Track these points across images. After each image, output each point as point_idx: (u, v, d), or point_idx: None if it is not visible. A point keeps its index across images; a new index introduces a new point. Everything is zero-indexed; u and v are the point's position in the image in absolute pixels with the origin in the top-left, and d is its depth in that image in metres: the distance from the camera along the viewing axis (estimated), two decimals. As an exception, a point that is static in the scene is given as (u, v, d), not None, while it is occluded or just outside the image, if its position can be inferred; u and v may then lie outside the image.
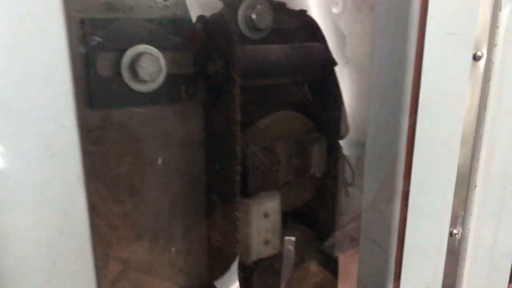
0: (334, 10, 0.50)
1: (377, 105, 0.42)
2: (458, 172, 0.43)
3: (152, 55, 0.37)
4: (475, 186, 0.45)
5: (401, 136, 0.40)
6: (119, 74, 0.37)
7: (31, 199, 0.27)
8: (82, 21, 0.35)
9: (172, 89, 0.40)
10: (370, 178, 0.44)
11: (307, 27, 0.48)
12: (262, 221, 0.45)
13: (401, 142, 0.40)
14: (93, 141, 0.38)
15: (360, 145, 0.49)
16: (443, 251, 0.45)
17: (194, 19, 0.40)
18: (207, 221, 0.45)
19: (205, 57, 0.41)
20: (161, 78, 0.38)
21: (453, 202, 0.44)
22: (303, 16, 0.47)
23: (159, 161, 0.40)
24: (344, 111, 0.48)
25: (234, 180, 0.41)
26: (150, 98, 0.39)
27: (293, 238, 0.49)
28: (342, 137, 0.49)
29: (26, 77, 0.26)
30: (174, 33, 0.39)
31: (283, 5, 0.46)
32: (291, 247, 0.48)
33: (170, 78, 0.39)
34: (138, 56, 0.37)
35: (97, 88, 0.37)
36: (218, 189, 0.43)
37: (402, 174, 0.41)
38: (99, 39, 0.35)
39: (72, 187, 0.28)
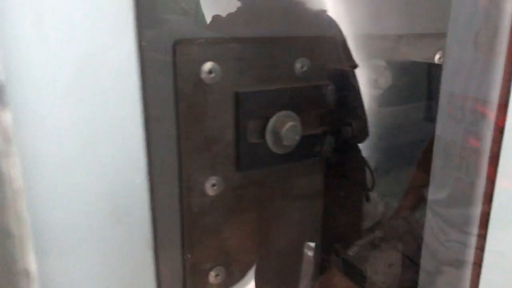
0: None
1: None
2: None
3: (293, 120, 0.42)
4: None
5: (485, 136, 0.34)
6: (264, 139, 0.42)
7: (97, 266, 0.25)
8: (237, 94, 0.40)
9: (304, 148, 0.45)
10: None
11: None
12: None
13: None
14: (237, 199, 0.43)
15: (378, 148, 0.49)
16: None
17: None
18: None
19: (336, 120, 0.46)
20: (297, 140, 0.43)
21: None
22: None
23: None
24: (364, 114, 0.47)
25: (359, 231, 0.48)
26: (285, 158, 0.44)
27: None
28: (361, 141, 0.47)
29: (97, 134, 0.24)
30: (309, 98, 0.44)
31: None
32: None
33: (303, 138, 0.44)
34: (280, 123, 0.42)
35: (245, 153, 0.42)
36: (342, 238, 0.50)
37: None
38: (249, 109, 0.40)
39: (140, 254, 0.27)
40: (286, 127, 0.43)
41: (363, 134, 0.45)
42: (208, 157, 0.41)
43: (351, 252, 0.51)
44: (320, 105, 0.45)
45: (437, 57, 0.50)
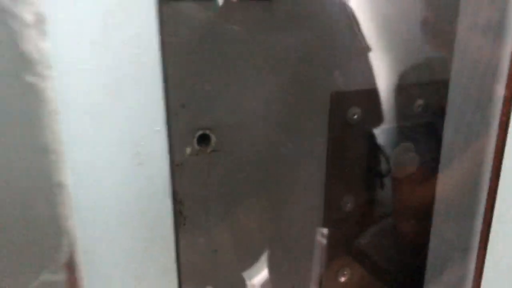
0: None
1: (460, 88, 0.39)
2: None
3: (411, 151, 0.52)
4: None
5: (489, 123, 0.37)
6: (389, 166, 0.52)
7: (117, 208, 0.26)
8: (369, 131, 0.51)
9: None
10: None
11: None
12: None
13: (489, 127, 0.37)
14: (361, 215, 0.53)
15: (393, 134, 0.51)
16: None
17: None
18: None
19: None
20: (415, 165, 0.53)
21: None
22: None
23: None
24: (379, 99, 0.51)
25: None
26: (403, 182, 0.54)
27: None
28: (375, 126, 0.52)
29: (117, 78, 0.25)
30: (423, 132, 0.53)
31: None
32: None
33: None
34: (403, 152, 0.52)
35: (374, 178, 0.52)
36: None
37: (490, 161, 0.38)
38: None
39: (159, 198, 0.28)
40: (406, 156, 0.53)
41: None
42: (346, 180, 0.52)
43: (363, 239, 0.56)
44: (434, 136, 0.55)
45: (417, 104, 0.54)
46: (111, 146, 0.25)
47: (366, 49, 0.51)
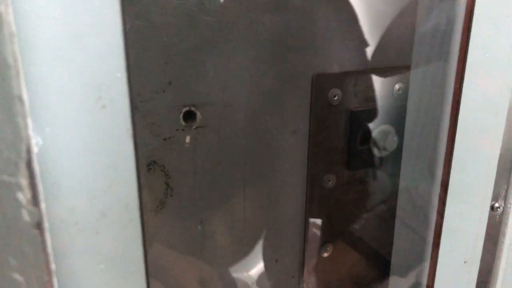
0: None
1: (419, 78, 0.42)
2: (503, 144, 0.41)
3: (391, 132, 0.55)
4: None
5: (444, 105, 0.40)
6: (368, 145, 0.55)
7: (81, 149, 0.27)
8: (352, 112, 0.53)
9: (397, 153, 0.57)
10: (408, 147, 0.44)
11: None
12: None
13: (444, 111, 0.40)
14: (345, 192, 0.56)
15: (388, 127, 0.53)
16: (483, 224, 0.43)
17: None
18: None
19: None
20: (394, 147, 0.56)
21: (497, 176, 0.42)
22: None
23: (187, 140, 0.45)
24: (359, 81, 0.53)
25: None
26: (382, 160, 0.56)
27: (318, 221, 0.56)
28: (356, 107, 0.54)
29: (79, 25, 0.26)
30: (401, 113, 0.55)
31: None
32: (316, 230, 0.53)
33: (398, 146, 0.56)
34: (382, 133, 0.55)
35: (354, 157, 0.55)
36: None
37: (444, 145, 0.41)
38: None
39: (121, 140, 0.29)
40: (385, 136, 0.56)
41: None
42: (327, 159, 0.55)
43: (357, 225, 0.59)
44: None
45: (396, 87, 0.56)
46: (75, 89, 0.27)
47: (364, 44, 0.53)
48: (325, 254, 0.59)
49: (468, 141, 0.38)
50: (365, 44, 0.53)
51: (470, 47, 0.36)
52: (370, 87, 0.54)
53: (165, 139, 0.43)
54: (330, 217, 0.58)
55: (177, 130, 0.43)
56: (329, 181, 0.56)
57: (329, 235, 0.59)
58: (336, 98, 0.52)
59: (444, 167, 0.38)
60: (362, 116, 0.55)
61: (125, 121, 0.28)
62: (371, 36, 0.52)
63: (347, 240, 0.61)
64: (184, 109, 0.43)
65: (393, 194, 0.62)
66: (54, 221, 0.28)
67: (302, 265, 0.59)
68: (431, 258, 0.40)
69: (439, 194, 0.40)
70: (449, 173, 0.38)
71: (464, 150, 0.38)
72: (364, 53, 0.54)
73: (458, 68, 0.39)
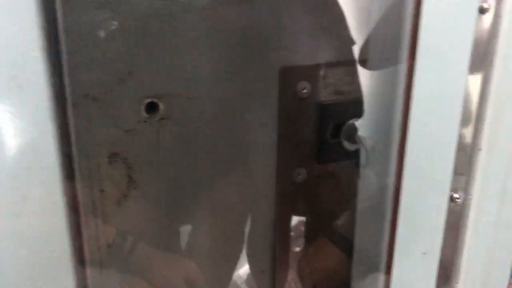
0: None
1: (371, 62, 0.42)
2: (462, 134, 0.41)
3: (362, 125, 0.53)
4: (479, 149, 0.42)
5: (397, 91, 0.39)
6: (339, 139, 0.54)
7: None
8: (322, 105, 0.53)
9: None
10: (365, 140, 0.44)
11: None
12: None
13: (397, 96, 0.39)
14: (313, 186, 0.56)
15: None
16: (442, 216, 0.43)
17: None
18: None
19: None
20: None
21: (456, 166, 0.42)
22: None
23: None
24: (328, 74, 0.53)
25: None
26: (352, 154, 0.55)
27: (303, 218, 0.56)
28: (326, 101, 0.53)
29: None
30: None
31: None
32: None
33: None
34: (353, 126, 0.53)
35: (324, 150, 0.55)
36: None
37: (398, 133, 0.40)
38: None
39: (41, 120, 0.28)
40: (355, 129, 0.56)
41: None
42: (297, 153, 0.55)
43: (339, 221, 0.59)
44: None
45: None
46: None
47: (351, 42, 0.53)
48: (297, 249, 0.59)
49: (423, 131, 0.38)
50: (335, 37, 0.53)
51: (420, 35, 0.36)
52: (340, 80, 0.54)
53: (126, 131, 0.42)
54: (301, 211, 0.58)
55: (139, 122, 0.42)
56: (299, 175, 0.56)
57: (300, 230, 0.59)
58: (305, 91, 0.52)
59: (398, 158, 0.38)
60: (332, 109, 0.55)
61: (44, 102, 0.28)
62: (340, 28, 0.52)
63: (319, 234, 0.60)
64: (146, 101, 0.42)
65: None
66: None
67: (274, 259, 0.58)
68: (388, 249, 0.40)
69: (395, 186, 0.39)
70: (403, 164, 0.38)
71: (419, 141, 0.38)
72: (333, 46, 0.54)
73: (409, 56, 0.38)
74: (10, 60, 0.27)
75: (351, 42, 0.54)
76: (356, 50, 0.54)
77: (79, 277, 0.35)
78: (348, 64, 0.55)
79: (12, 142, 0.28)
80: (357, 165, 0.59)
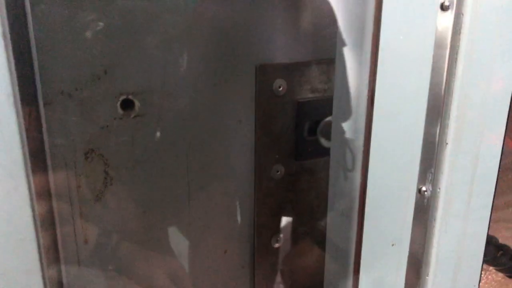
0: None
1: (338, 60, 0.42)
2: (427, 128, 0.41)
3: None
4: (446, 143, 0.42)
5: (361, 91, 0.39)
6: (315, 136, 0.55)
7: None
8: (299, 103, 0.54)
9: None
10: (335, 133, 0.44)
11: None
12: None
13: (361, 96, 0.39)
14: (292, 183, 0.57)
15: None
16: (410, 208, 0.43)
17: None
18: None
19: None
20: None
21: (423, 160, 0.42)
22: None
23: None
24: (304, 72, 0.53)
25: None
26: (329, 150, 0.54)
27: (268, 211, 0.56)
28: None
29: None
30: None
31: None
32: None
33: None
34: (330, 124, 0.53)
35: (301, 147, 0.56)
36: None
37: (363, 127, 0.40)
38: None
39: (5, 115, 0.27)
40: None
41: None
42: (275, 150, 0.56)
43: (307, 215, 0.60)
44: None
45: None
46: None
47: (310, 35, 0.54)
48: (276, 245, 0.60)
49: (388, 124, 0.39)
50: (311, 35, 0.54)
51: (382, 33, 0.36)
52: (316, 78, 0.55)
53: (102, 128, 0.43)
54: (280, 207, 0.59)
55: (114, 118, 0.43)
56: (278, 171, 0.56)
57: (279, 226, 0.59)
58: (281, 88, 0.53)
59: (364, 152, 0.39)
60: (309, 106, 0.56)
61: (6, 97, 0.27)
62: (317, 27, 0.53)
63: (298, 230, 0.61)
64: (122, 98, 0.43)
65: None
66: None
67: (253, 255, 0.59)
68: (356, 240, 0.41)
69: (361, 179, 0.40)
70: (368, 157, 0.38)
71: (385, 136, 0.39)
72: (310, 44, 0.55)
73: (372, 54, 0.39)
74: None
75: (327, 40, 0.55)
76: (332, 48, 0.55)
77: (52, 274, 0.35)
78: (324, 63, 0.56)
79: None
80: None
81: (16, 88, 0.27)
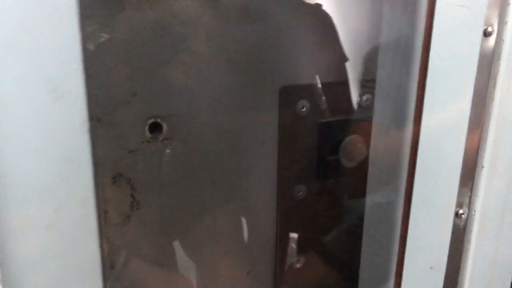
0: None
1: (384, 82, 0.43)
2: (466, 153, 0.42)
3: (359, 143, 0.55)
4: (483, 167, 0.44)
5: (407, 115, 0.40)
6: (338, 156, 0.55)
7: (34, 141, 0.26)
8: (321, 123, 0.54)
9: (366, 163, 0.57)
10: (374, 161, 0.45)
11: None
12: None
13: (407, 120, 0.40)
14: (314, 202, 0.57)
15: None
16: (448, 231, 0.44)
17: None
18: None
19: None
20: (363, 157, 0.56)
21: (460, 183, 0.43)
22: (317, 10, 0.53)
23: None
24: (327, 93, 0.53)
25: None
26: (354, 170, 0.56)
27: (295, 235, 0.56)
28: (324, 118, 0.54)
29: (31, 16, 0.25)
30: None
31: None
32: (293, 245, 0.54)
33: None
34: (350, 144, 0.55)
35: (323, 167, 0.56)
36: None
37: (408, 153, 0.41)
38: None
39: (77, 132, 0.28)
40: (353, 147, 0.56)
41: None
42: (297, 170, 0.55)
43: (329, 235, 0.59)
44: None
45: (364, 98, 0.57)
46: (28, 81, 0.26)
47: (343, 59, 0.54)
48: (298, 265, 0.59)
49: (431, 150, 0.39)
50: (335, 57, 0.54)
51: (430, 56, 0.37)
52: (338, 98, 0.55)
53: (130, 152, 0.42)
54: (302, 228, 0.58)
55: (142, 142, 0.43)
56: (300, 192, 0.56)
57: (301, 246, 0.59)
58: (304, 109, 0.53)
59: (408, 176, 0.39)
60: (331, 127, 0.56)
61: (80, 113, 0.28)
62: (342, 49, 0.53)
63: (319, 251, 0.61)
64: (150, 121, 0.43)
65: (364, 205, 0.62)
66: (5, 216, 0.27)
67: (275, 276, 0.58)
68: (397, 264, 0.40)
69: (404, 202, 0.39)
70: (413, 182, 0.38)
71: (427, 159, 0.39)
72: (332, 66, 0.55)
73: (420, 77, 0.39)
74: (52, 73, 0.27)
75: (345, 59, 0.55)
76: (349, 68, 0.55)
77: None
78: (344, 84, 0.56)
79: (47, 153, 0.27)
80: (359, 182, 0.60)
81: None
